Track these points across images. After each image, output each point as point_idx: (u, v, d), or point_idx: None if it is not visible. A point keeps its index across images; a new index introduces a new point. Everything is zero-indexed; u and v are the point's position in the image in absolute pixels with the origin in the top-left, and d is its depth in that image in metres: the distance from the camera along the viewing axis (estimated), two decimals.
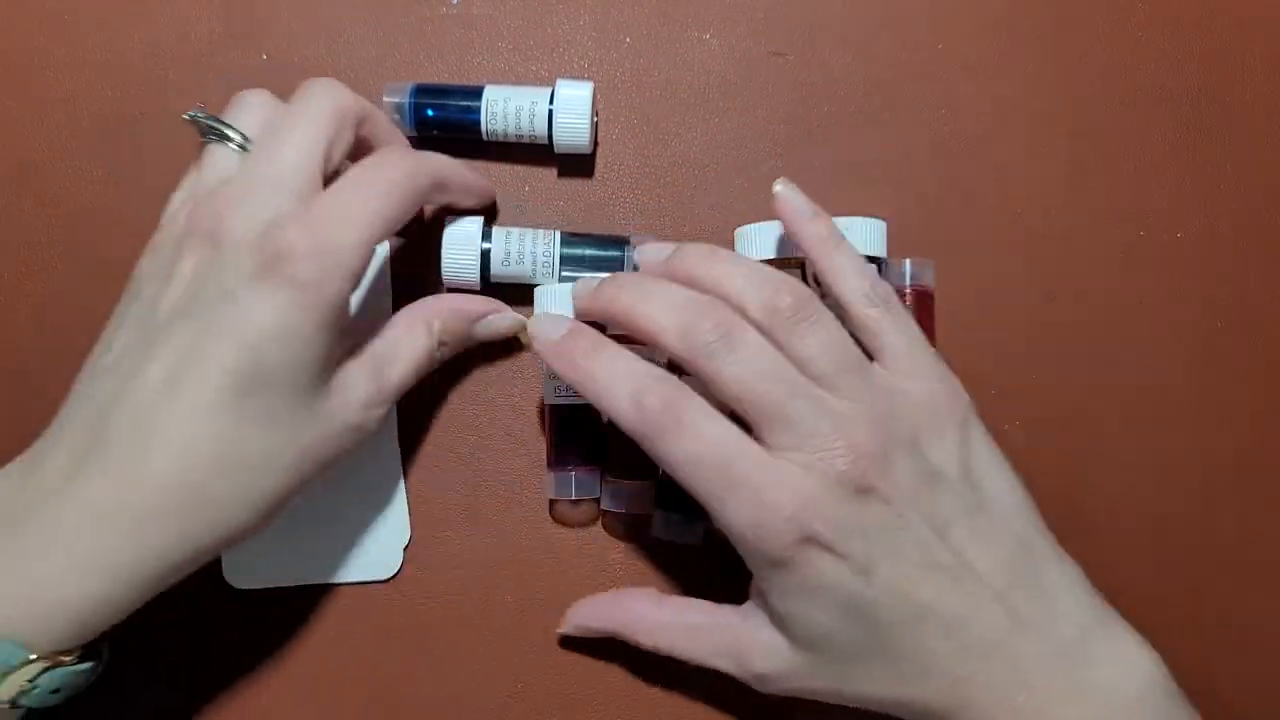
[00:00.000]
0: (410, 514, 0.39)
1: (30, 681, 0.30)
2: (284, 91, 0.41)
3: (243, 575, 0.38)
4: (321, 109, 0.34)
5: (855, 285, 0.34)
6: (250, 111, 0.35)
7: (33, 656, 0.29)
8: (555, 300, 0.37)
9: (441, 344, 0.37)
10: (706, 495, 0.31)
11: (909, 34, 0.41)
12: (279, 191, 0.32)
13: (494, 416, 0.40)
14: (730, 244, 0.40)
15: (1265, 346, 0.41)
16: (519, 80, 0.41)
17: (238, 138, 0.34)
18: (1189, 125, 0.41)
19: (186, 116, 0.35)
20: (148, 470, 0.30)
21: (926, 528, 0.31)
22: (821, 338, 0.32)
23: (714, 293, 0.32)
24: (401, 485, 0.39)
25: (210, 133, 0.35)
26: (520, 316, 0.38)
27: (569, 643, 0.39)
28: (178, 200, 0.35)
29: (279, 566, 0.38)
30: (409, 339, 0.36)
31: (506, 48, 0.41)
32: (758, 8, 0.42)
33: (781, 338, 0.32)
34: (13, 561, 0.29)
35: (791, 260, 0.37)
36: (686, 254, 0.34)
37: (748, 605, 0.34)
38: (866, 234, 0.37)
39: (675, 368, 0.34)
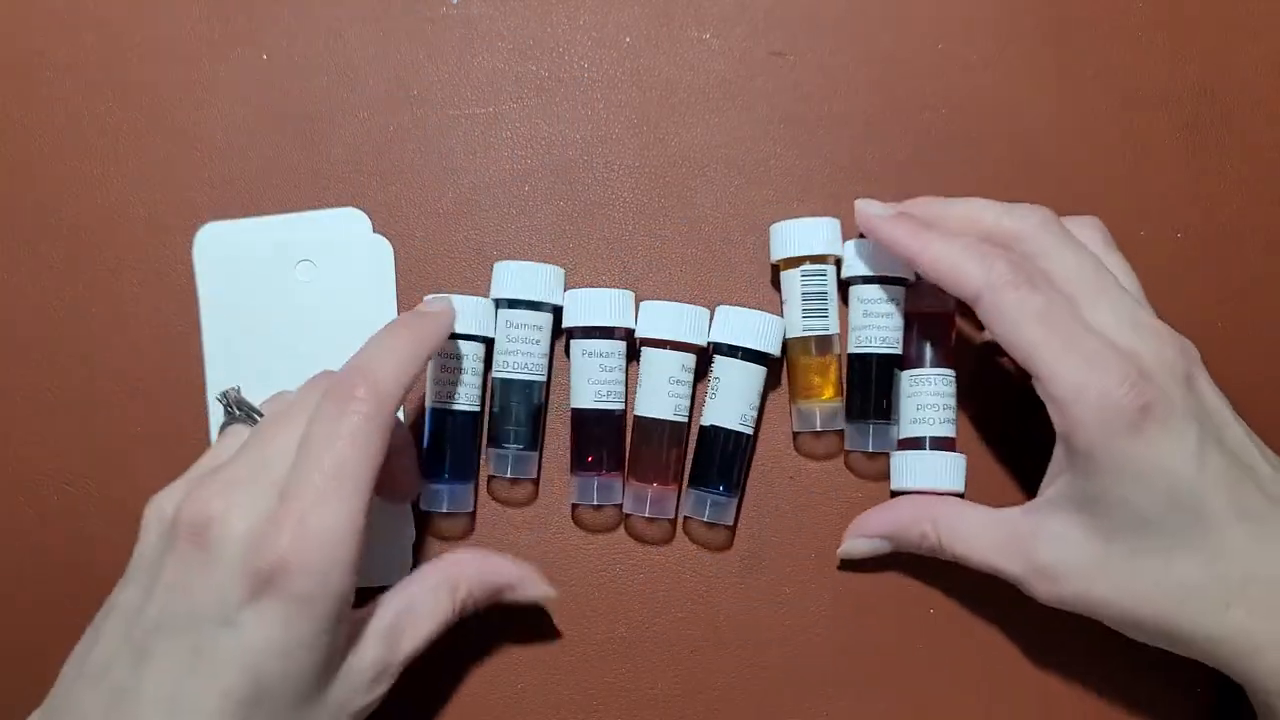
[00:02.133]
0: (416, 517, 0.39)
1: None
2: (284, 90, 0.41)
3: None
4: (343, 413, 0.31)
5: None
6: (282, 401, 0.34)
7: None
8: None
9: (462, 612, 0.35)
10: (1045, 349, 0.32)
11: (909, 34, 0.41)
12: (269, 479, 0.30)
13: None
14: (733, 243, 0.40)
15: (1265, 346, 0.41)
16: (519, 79, 0.41)
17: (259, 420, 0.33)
18: (1189, 125, 0.41)
19: (218, 396, 0.35)
20: None
21: (1240, 426, 0.33)
22: (1120, 260, 0.36)
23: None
24: (411, 531, 0.39)
25: (234, 414, 0.34)
26: (549, 589, 0.36)
27: (568, 642, 0.39)
28: (179, 486, 0.32)
29: None
30: (432, 604, 0.34)
31: (506, 48, 0.41)
32: (758, 8, 0.41)
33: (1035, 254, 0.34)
34: None
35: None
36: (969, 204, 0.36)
37: (1034, 502, 0.35)
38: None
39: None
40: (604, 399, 0.38)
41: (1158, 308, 0.40)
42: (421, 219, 0.41)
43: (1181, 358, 0.32)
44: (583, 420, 0.38)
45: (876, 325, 0.38)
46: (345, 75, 0.41)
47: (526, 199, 0.41)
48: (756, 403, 0.38)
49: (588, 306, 0.38)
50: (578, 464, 0.38)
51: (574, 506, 0.39)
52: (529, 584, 0.36)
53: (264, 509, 0.29)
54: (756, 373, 0.38)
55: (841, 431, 0.39)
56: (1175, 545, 0.31)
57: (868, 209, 0.36)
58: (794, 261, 0.38)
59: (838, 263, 0.39)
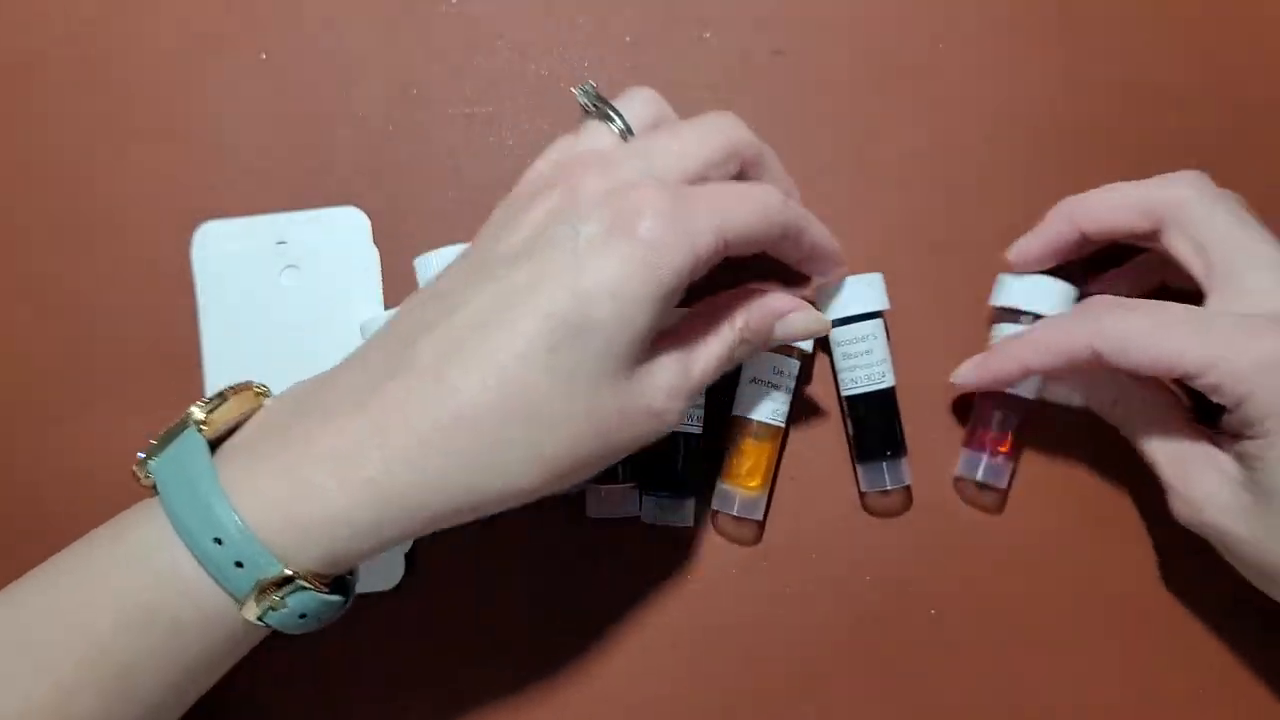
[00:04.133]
0: None
1: (281, 598, 0.29)
2: (284, 90, 0.41)
3: None
4: (719, 133, 0.33)
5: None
6: (642, 105, 0.34)
7: (289, 572, 0.29)
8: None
9: (744, 341, 0.34)
10: (1186, 353, 0.32)
11: (909, 34, 0.41)
12: (648, 172, 0.31)
13: None
14: None
15: None
16: (519, 79, 0.41)
17: (620, 123, 0.33)
18: (1189, 125, 0.41)
19: (576, 90, 0.34)
20: (440, 402, 0.29)
21: None
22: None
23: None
24: None
25: (596, 111, 0.34)
26: (823, 317, 0.35)
27: (568, 643, 0.39)
28: (542, 164, 0.34)
29: None
30: (715, 334, 0.33)
31: (506, 47, 0.41)
32: (758, 6, 0.41)
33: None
34: (290, 469, 0.29)
35: None
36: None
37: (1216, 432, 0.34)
38: (867, 290, 0.38)
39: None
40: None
41: None
42: (421, 219, 0.40)
43: None
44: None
45: (859, 365, 0.38)
46: (345, 75, 0.41)
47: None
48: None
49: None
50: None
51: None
52: (803, 316, 0.35)
53: (643, 194, 0.30)
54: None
55: (758, 522, 0.39)
56: None
57: (1002, 364, 0.36)
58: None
59: (804, 356, 0.38)
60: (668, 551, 0.39)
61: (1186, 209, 0.35)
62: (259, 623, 0.30)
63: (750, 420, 0.37)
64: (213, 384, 0.39)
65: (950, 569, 0.38)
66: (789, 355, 0.38)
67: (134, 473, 0.30)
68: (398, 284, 0.40)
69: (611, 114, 0.34)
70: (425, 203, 0.40)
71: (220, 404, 0.31)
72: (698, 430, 0.38)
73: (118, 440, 0.39)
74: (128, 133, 0.41)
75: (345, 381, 0.31)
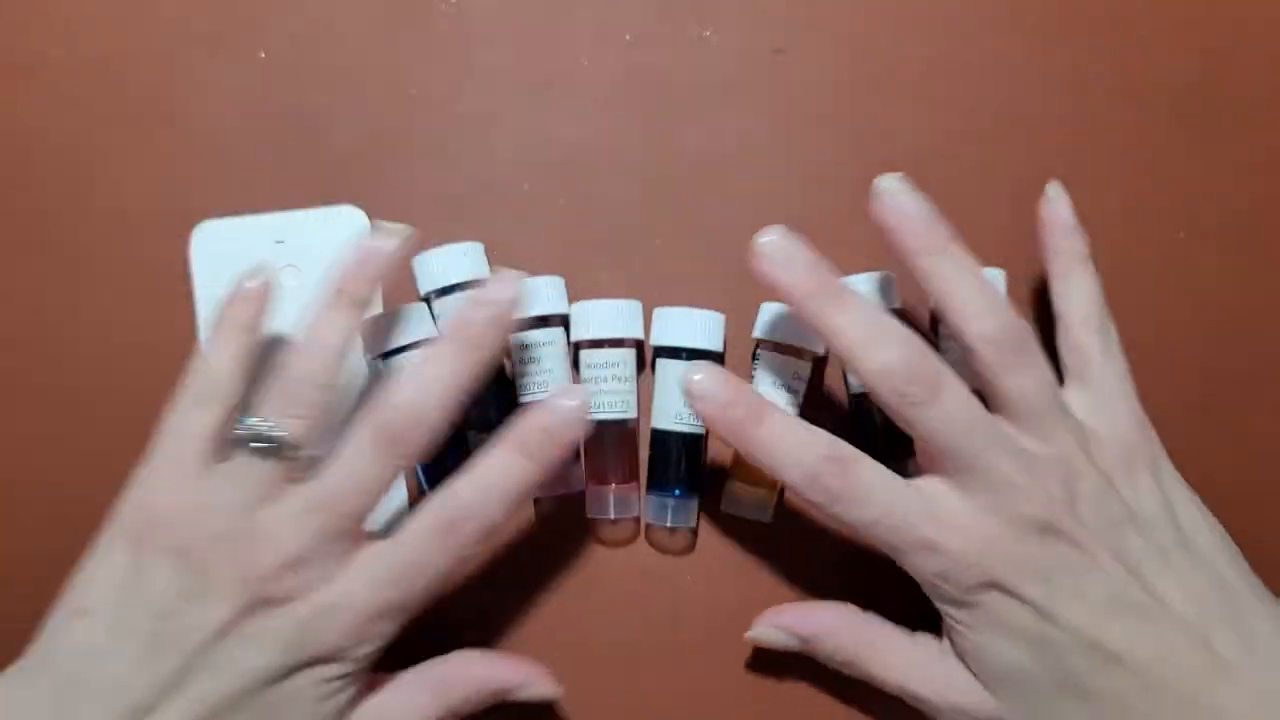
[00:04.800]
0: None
1: None
2: (284, 90, 0.41)
3: None
4: (388, 459, 0.32)
5: (1085, 308, 0.35)
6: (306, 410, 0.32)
7: None
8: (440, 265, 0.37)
9: (455, 714, 0.34)
10: (889, 549, 0.32)
11: (909, 33, 0.42)
12: (336, 543, 0.31)
13: None
14: (734, 242, 0.40)
15: (1265, 346, 0.40)
16: (519, 79, 0.41)
17: (300, 456, 0.32)
18: (1189, 125, 0.41)
19: (241, 431, 0.32)
20: None
21: (1117, 566, 0.31)
22: (1035, 378, 0.32)
23: (939, 293, 0.32)
24: (404, 491, 0.39)
25: (256, 443, 0.32)
26: (555, 688, 0.35)
27: (568, 644, 0.38)
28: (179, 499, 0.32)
29: None
30: (420, 705, 0.33)
31: (506, 47, 0.41)
32: (758, 6, 0.42)
33: (994, 372, 0.32)
34: None
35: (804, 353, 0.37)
36: (922, 240, 0.33)
37: (946, 640, 0.34)
38: (875, 288, 0.37)
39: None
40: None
41: (1158, 308, 0.40)
42: (421, 218, 0.40)
43: (1038, 510, 0.31)
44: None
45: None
46: (345, 75, 0.41)
47: (526, 199, 0.41)
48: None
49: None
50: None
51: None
52: (533, 684, 0.34)
53: (335, 589, 0.31)
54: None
55: (767, 525, 0.39)
56: (1051, 694, 0.31)
57: (709, 394, 0.32)
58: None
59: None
60: (668, 554, 0.39)
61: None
62: None
63: None
64: None
65: None
66: (803, 360, 0.37)
67: None
68: (397, 283, 0.40)
69: (273, 448, 0.31)
70: (425, 203, 0.40)
71: None
72: (702, 431, 0.38)
73: (118, 442, 0.39)
74: (127, 132, 0.41)
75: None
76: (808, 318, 0.32)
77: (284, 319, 0.39)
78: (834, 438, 0.32)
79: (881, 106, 0.41)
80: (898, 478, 0.32)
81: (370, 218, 0.40)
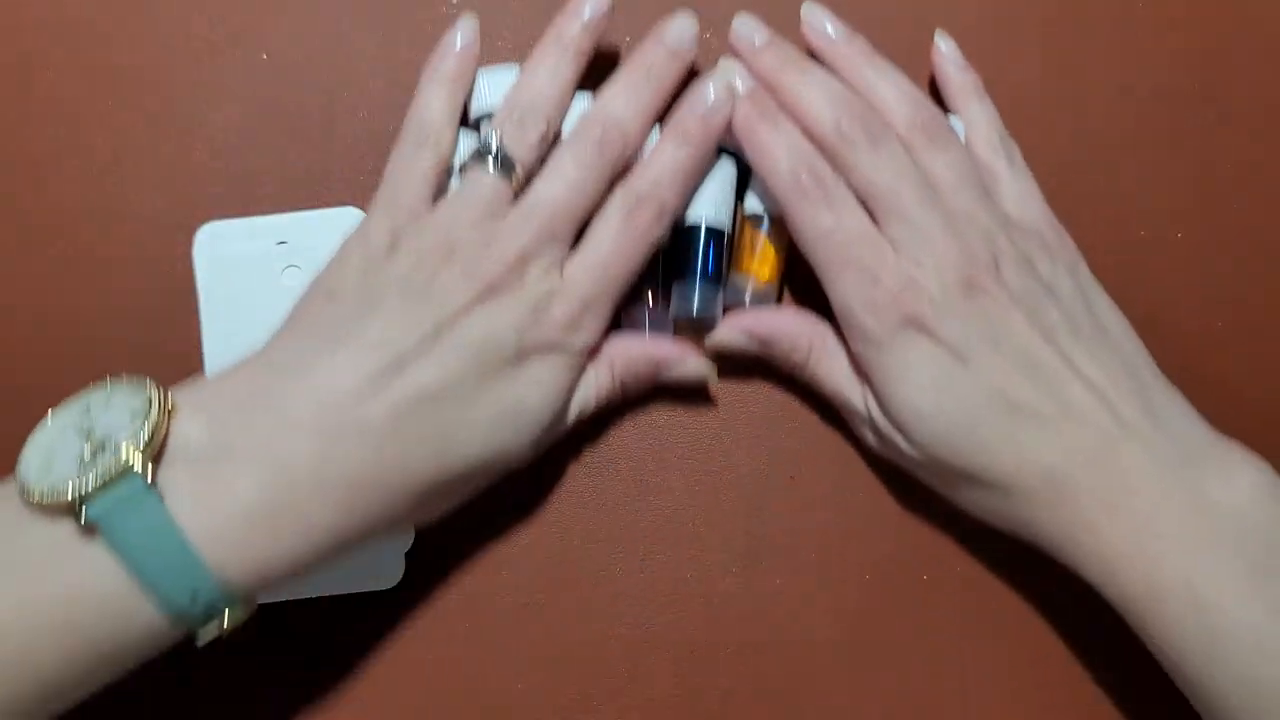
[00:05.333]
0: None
1: (228, 625, 0.30)
2: (284, 90, 0.41)
3: None
4: (598, 155, 0.35)
5: (987, 133, 0.38)
6: (532, 122, 0.36)
7: (248, 607, 0.31)
8: (492, 85, 0.38)
9: (624, 386, 0.38)
10: (825, 267, 0.35)
11: (909, 33, 0.41)
12: (552, 246, 0.35)
13: None
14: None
15: (1265, 346, 0.41)
16: None
17: (518, 175, 0.35)
18: (1189, 125, 0.41)
19: (485, 136, 0.36)
20: (397, 387, 0.32)
21: (1031, 328, 0.34)
22: (951, 156, 0.36)
23: (865, 96, 0.36)
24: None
25: (487, 161, 0.35)
26: (707, 364, 0.38)
27: (568, 643, 0.39)
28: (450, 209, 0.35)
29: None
30: (595, 380, 0.37)
31: (506, 47, 0.41)
32: (758, 6, 0.41)
33: (917, 150, 0.35)
34: (244, 505, 0.30)
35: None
36: (841, 53, 0.37)
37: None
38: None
39: None
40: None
41: (1158, 308, 0.40)
42: None
43: (963, 263, 0.34)
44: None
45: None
46: (345, 75, 0.41)
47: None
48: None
49: (497, 83, 0.38)
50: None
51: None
52: (687, 362, 0.38)
53: (554, 283, 0.35)
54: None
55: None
56: (957, 440, 0.33)
57: (728, 82, 0.37)
58: None
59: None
60: (667, 551, 0.39)
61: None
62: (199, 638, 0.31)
63: (764, 215, 0.38)
64: None
65: (948, 569, 0.39)
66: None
67: (53, 505, 0.29)
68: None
69: (498, 163, 0.35)
70: None
71: (151, 440, 0.29)
72: (726, 227, 0.38)
73: None
74: (129, 133, 0.41)
75: (277, 368, 0.32)
76: (769, 78, 0.36)
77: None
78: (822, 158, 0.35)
79: None
80: (861, 210, 0.35)
81: None
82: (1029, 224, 0.37)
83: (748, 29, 0.37)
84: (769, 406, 0.40)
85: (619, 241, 0.35)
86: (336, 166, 0.41)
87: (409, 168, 0.36)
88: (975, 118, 0.39)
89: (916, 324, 0.34)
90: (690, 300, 0.38)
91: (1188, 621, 0.31)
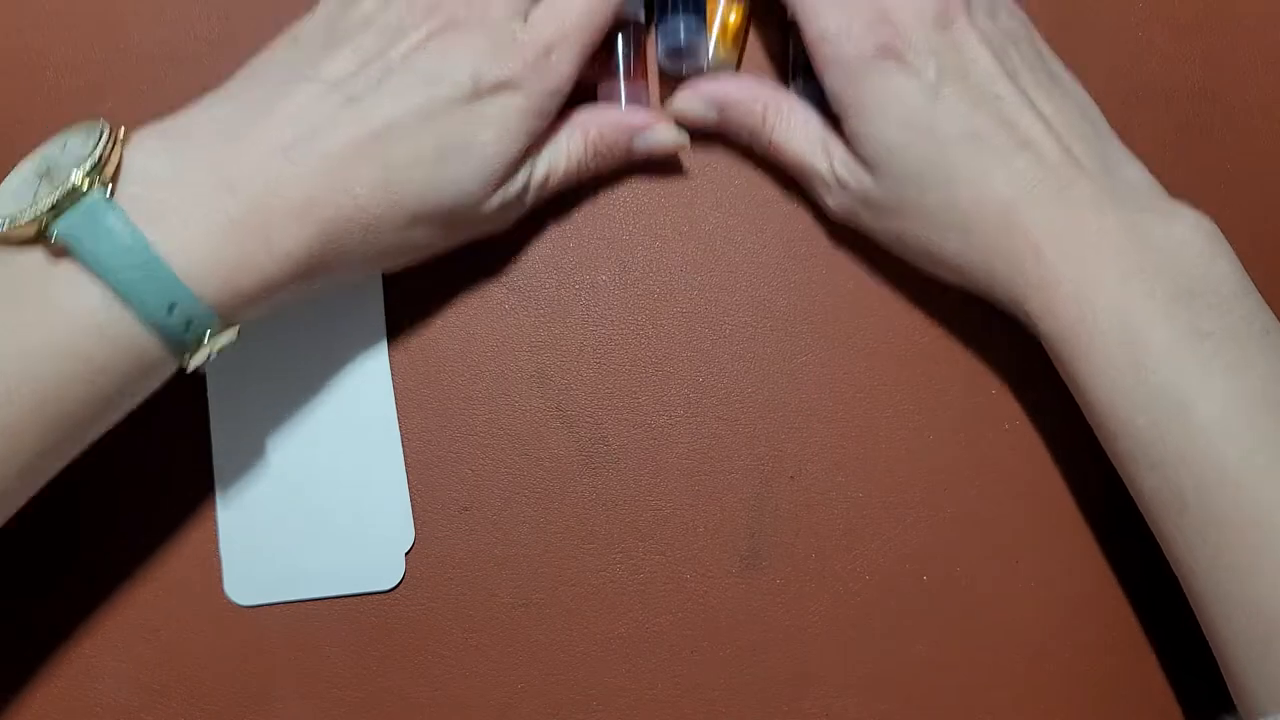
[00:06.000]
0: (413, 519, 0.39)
1: (213, 346, 0.32)
2: None
3: (245, 591, 0.38)
4: None
5: None
6: None
7: (230, 327, 0.32)
8: None
9: (597, 154, 0.38)
10: (802, 2, 0.35)
11: None
12: None
13: (493, 418, 0.40)
14: (734, 243, 0.40)
15: None
16: None
17: None
18: (1189, 125, 0.41)
19: None
20: (357, 119, 0.33)
21: (997, 65, 0.35)
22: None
23: None
24: (405, 491, 0.39)
25: None
26: (679, 131, 0.39)
27: (568, 642, 0.39)
28: None
29: (281, 581, 0.38)
30: (566, 144, 0.37)
31: None
32: (758, 6, 0.41)
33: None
34: (216, 220, 0.31)
35: None
36: None
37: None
38: None
39: None
40: None
41: None
42: None
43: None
44: None
45: None
46: None
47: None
48: None
49: None
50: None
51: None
52: (659, 129, 0.38)
53: (514, 25, 0.35)
54: None
55: None
56: (923, 173, 0.34)
57: None
58: None
59: None
60: (667, 550, 0.39)
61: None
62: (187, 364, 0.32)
63: None
64: (214, 384, 0.39)
65: (948, 569, 0.39)
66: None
67: (18, 234, 0.30)
68: (397, 282, 0.40)
69: None
70: None
71: (101, 167, 0.30)
72: None
73: (118, 442, 0.39)
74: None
75: (234, 103, 0.34)
76: None
77: (286, 317, 0.39)
78: None
79: None
80: None
81: None
82: None
83: None
84: (769, 407, 0.40)
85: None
86: None
87: None
88: None
89: (891, 53, 0.34)
90: (676, 32, 0.38)
91: (1112, 346, 0.32)
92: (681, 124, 0.39)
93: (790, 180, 0.40)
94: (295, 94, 0.33)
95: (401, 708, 0.38)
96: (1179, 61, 0.42)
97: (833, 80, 0.35)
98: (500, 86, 0.34)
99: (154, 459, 0.39)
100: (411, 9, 0.34)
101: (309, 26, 0.36)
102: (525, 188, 0.37)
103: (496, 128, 0.34)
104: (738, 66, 0.41)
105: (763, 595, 0.39)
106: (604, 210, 0.41)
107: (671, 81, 0.40)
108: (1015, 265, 0.34)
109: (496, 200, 0.36)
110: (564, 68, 0.35)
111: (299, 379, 0.38)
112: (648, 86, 0.40)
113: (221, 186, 0.31)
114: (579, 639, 0.39)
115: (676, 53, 0.39)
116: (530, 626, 0.39)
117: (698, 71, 0.39)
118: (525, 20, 0.35)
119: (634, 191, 0.41)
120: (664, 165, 0.41)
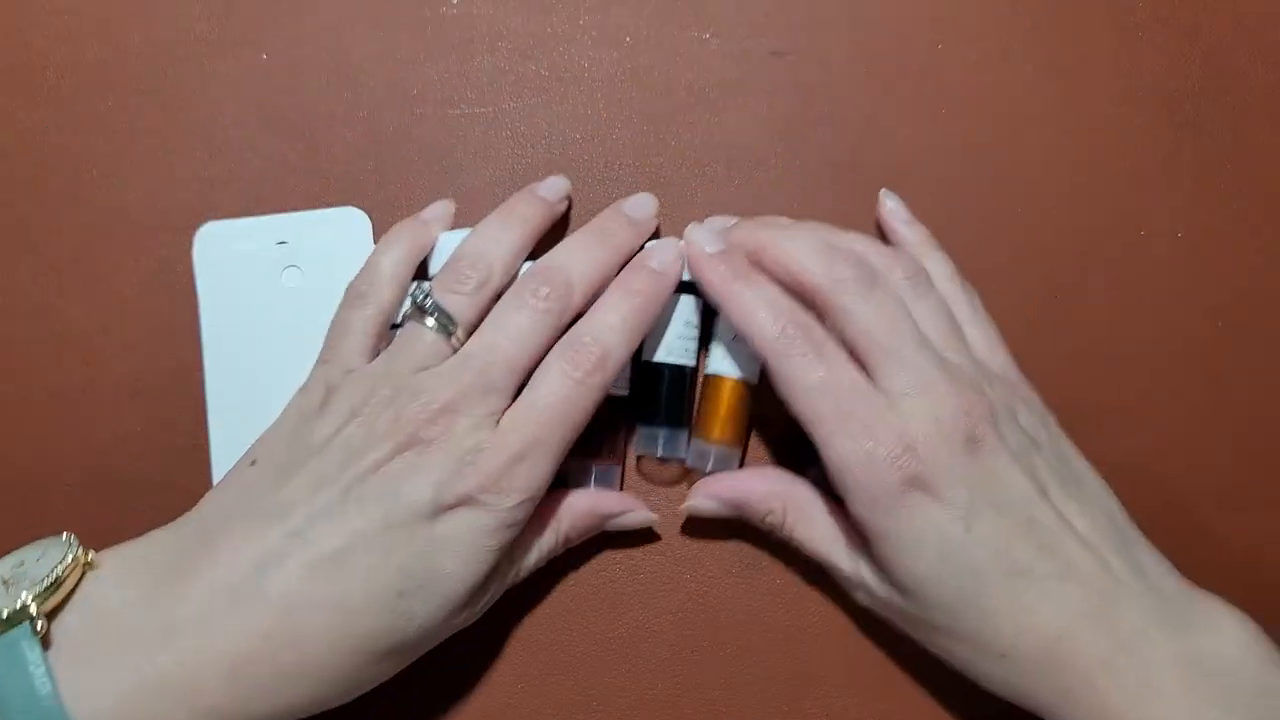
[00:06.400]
0: None
1: None
2: (284, 90, 0.41)
3: None
4: (543, 311, 0.34)
5: (949, 282, 0.37)
6: (464, 280, 0.35)
7: None
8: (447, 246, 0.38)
9: (568, 542, 0.37)
10: (819, 423, 0.32)
11: (909, 34, 0.41)
12: (486, 397, 0.33)
13: None
14: None
15: (1265, 346, 0.41)
16: (519, 79, 0.41)
17: (444, 324, 0.34)
18: (1189, 125, 0.41)
19: (414, 293, 0.35)
20: (281, 630, 0.30)
21: (1029, 484, 0.32)
22: (933, 304, 0.35)
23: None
24: None
25: (420, 313, 0.34)
26: (651, 515, 0.38)
27: (568, 642, 0.39)
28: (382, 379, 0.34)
29: None
30: (535, 551, 0.36)
31: (506, 48, 0.41)
32: (758, 7, 0.41)
33: (906, 300, 0.34)
34: (133, 691, 0.29)
35: None
36: (806, 227, 0.36)
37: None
38: None
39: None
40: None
41: (1158, 308, 0.40)
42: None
43: (964, 417, 0.32)
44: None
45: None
46: (345, 75, 0.41)
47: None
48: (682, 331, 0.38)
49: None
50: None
51: (639, 457, 0.40)
52: (632, 514, 0.38)
53: (482, 436, 0.32)
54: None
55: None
56: (956, 602, 0.32)
57: (698, 242, 0.35)
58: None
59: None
60: (667, 551, 0.39)
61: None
62: None
63: (727, 377, 0.38)
64: (214, 385, 0.39)
65: None
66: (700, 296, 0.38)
67: None
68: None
69: (434, 317, 0.34)
70: (425, 203, 0.40)
71: (54, 591, 0.29)
72: (691, 364, 0.38)
73: (118, 442, 0.39)
74: (128, 133, 0.41)
75: (191, 533, 0.32)
76: (747, 242, 0.35)
77: (286, 319, 0.39)
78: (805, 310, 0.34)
79: (880, 107, 0.41)
80: (850, 360, 0.33)
81: (371, 218, 0.40)
82: (999, 372, 0.36)
83: (701, 234, 0.36)
84: (769, 407, 0.40)
85: (557, 392, 0.33)
86: (336, 166, 0.41)
87: (346, 321, 0.36)
88: (934, 268, 0.37)
89: (920, 485, 0.31)
90: (655, 442, 0.38)
91: None
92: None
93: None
94: (246, 528, 0.31)
95: (401, 707, 0.38)
96: (1179, 61, 0.42)
97: (858, 507, 0.32)
98: (463, 504, 0.32)
99: (156, 447, 0.39)
100: (371, 426, 0.32)
101: (266, 446, 0.34)
102: (493, 596, 0.35)
103: (461, 552, 0.32)
104: (744, 450, 0.39)
105: (763, 595, 0.39)
106: None
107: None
108: (1064, 694, 0.31)
109: (461, 620, 0.34)
110: (537, 475, 0.33)
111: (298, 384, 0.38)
112: (621, 466, 0.39)
113: (158, 634, 0.29)
114: (579, 639, 0.39)
115: (655, 457, 0.39)
116: (530, 626, 0.39)
117: (680, 464, 0.39)
118: (497, 424, 0.33)
119: None
120: None
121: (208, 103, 0.41)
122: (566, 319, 0.34)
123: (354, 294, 0.36)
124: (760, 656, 0.39)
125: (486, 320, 0.34)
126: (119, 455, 0.39)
